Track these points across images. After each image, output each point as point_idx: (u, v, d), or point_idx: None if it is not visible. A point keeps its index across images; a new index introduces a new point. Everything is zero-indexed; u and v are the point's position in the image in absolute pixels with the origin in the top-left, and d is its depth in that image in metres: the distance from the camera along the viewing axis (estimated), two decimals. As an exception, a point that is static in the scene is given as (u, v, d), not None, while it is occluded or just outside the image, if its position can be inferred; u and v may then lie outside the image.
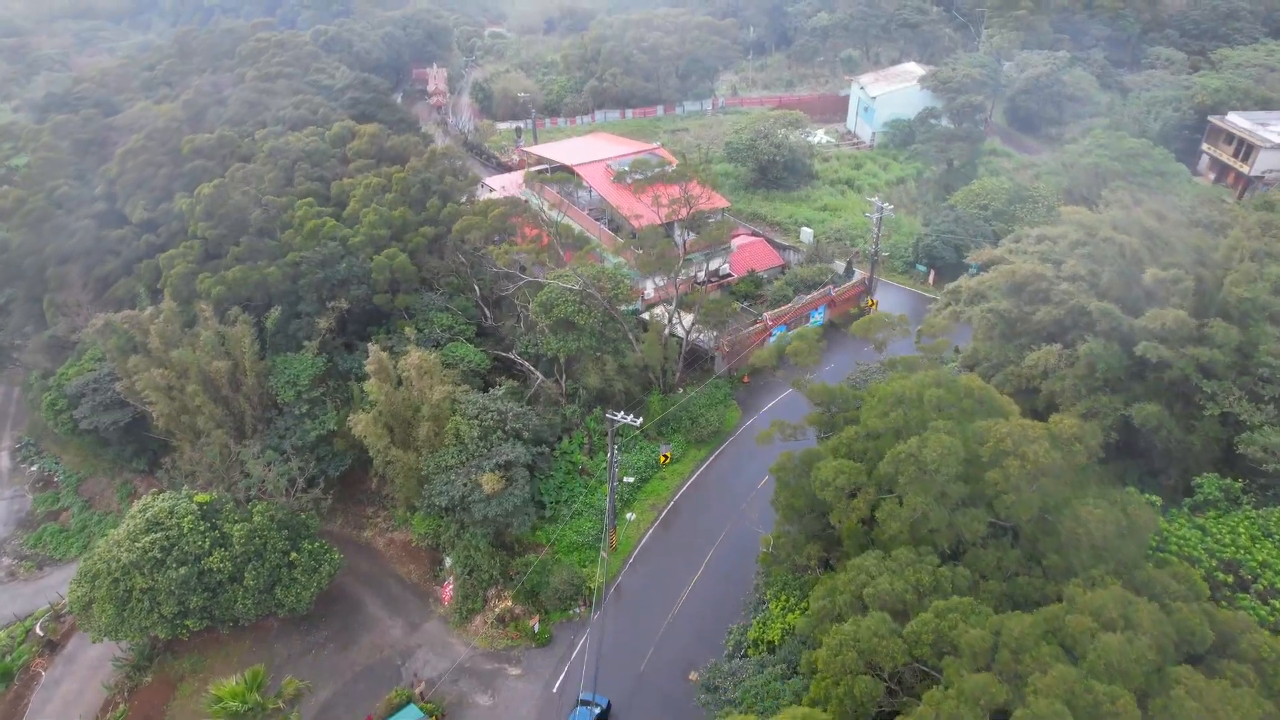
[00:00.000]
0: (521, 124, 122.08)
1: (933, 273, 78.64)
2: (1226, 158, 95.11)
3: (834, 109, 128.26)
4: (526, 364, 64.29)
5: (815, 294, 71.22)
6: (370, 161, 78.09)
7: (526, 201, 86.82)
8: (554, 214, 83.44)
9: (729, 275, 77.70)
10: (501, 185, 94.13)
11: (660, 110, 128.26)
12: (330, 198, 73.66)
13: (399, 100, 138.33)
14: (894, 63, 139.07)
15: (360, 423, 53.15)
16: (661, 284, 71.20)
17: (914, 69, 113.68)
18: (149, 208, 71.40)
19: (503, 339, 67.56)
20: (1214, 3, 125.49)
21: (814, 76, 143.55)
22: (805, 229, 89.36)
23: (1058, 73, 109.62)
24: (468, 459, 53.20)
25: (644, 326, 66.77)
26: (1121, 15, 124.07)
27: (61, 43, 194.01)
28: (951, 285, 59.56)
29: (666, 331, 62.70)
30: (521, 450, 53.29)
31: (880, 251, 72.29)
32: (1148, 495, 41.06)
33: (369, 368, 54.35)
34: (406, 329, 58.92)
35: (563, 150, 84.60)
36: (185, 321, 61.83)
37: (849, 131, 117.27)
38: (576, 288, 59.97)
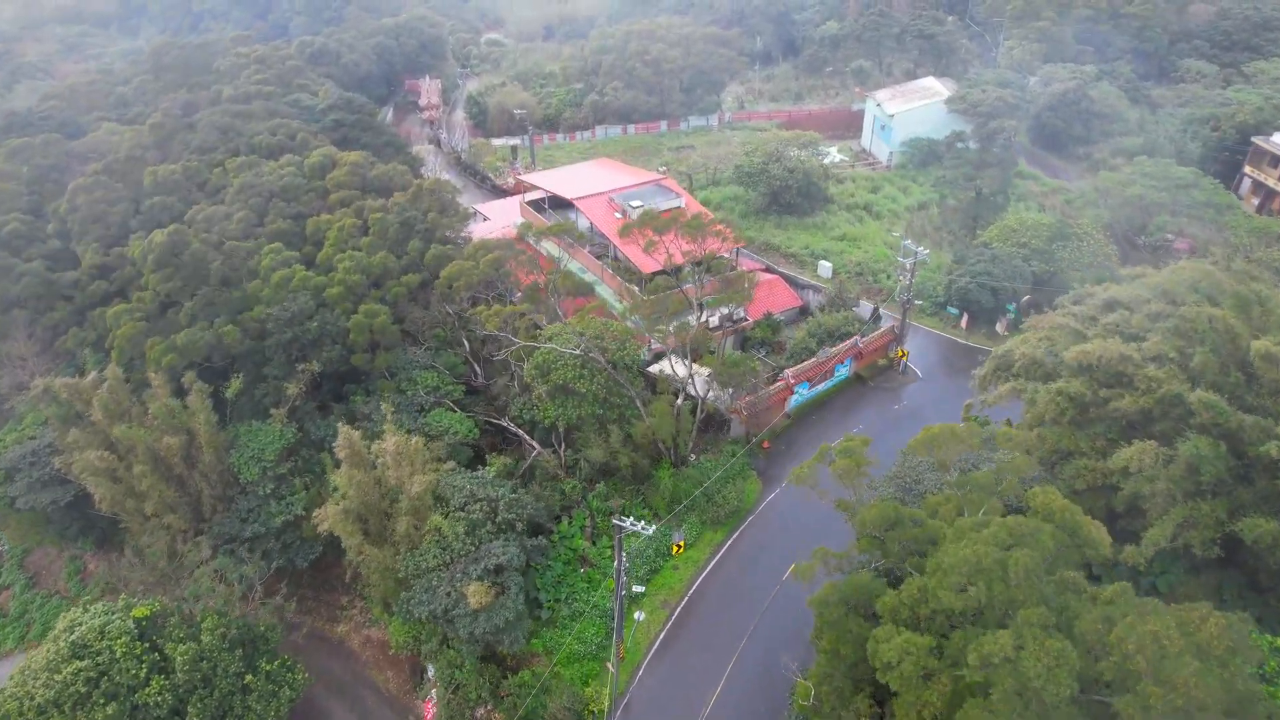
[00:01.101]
0: (519, 140, 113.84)
1: (965, 316, 70.64)
2: (1273, 181, 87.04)
3: (846, 124, 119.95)
4: (521, 432, 56.32)
5: (841, 346, 63.22)
6: (354, 193, 69.99)
7: (520, 236, 78.83)
8: (549, 247, 75.44)
9: (744, 319, 69.65)
10: (496, 213, 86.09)
11: (664, 125, 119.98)
12: (306, 237, 65.56)
13: (390, 114, 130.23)
14: (907, 74, 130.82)
15: (328, 517, 45.19)
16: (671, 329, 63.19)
17: (933, 84, 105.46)
18: (101, 250, 63.27)
19: (495, 398, 59.62)
20: (1246, 12, 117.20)
21: (823, 88, 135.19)
22: (823, 262, 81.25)
23: (1085, 88, 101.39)
24: (452, 559, 45.25)
25: (652, 386, 58.74)
26: (1149, 26, 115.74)
27: (46, 49, 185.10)
28: (1001, 349, 51.56)
29: (680, 400, 54.61)
30: (514, 552, 45.30)
31: (911, 298, 64.21)
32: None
33: (339, 453, 46.33)
34: (384, 404, 50.76)
35: (561, 180, 76.49)
36: (134, 387, 53.78)
37: (864, 150, 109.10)
38: (576, 352, 51.96)
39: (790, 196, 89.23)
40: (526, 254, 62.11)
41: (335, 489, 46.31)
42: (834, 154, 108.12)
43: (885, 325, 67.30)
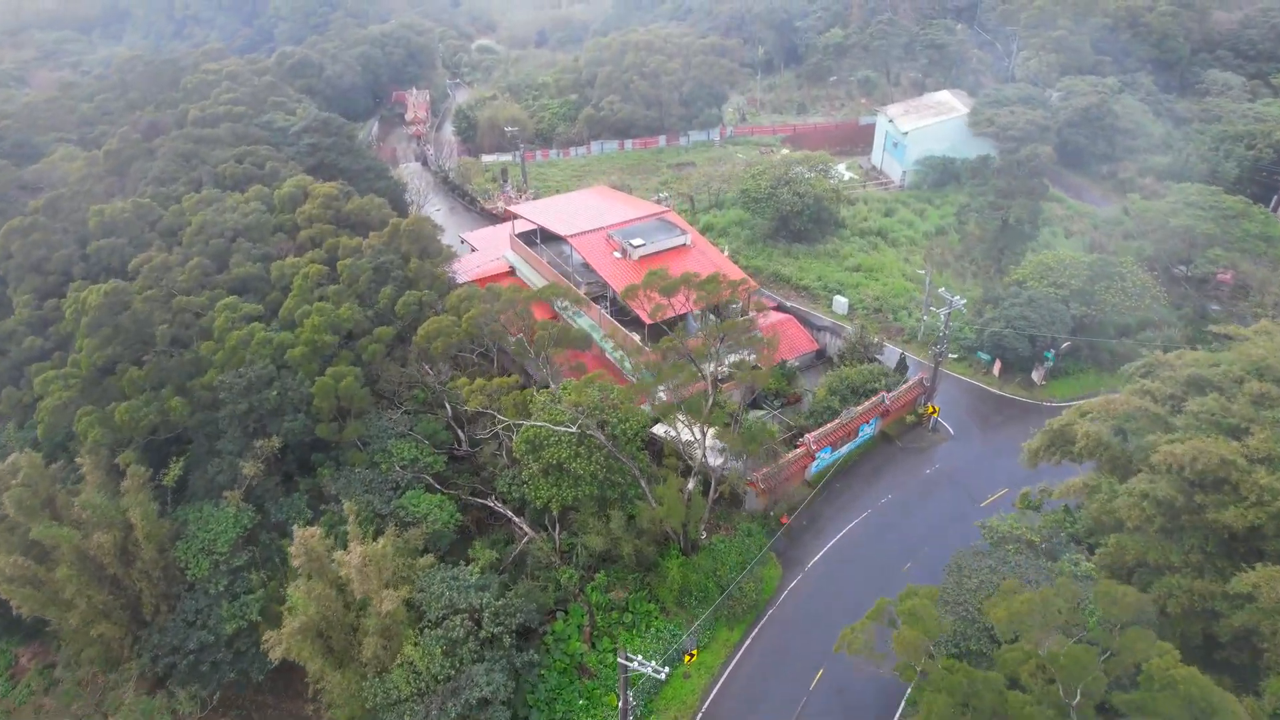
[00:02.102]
0: (510, 157, 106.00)
1: (998, 363, 63.26)
2: (1316, 207, 79.88)
3: (853, 139, 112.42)
4: (509, 512, 48.81)
5: (867, 404, 55.80)
6: (327, 228, 62.32)
7: (511, 269, 71.25)
8: (540, 283, 67.77)
9: (755, 368, 62.08)
10: (485, 243, 78.43)
11: (663, 140, 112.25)
12: (272, 283, 57.89)
13: (375, 128, 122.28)
14: (915, 84, 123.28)
15: (283, 639, 37.68)
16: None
17: (947, 99, 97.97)
18: (37, 302, 55.48)
19: (481, 468, 52.08)
20: (1272, 20, 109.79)
21: (827, 98, 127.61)
22: (838, 298, 73.76)
23: (1108, 102, 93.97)
24: (427, 688, 37.82)
25: (657, 455, 51.18)
26: (1170, 35, 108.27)
27: (23, 56, 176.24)
28: (1058, 422, 44.20)
29: (690, 484, 47.06)
30: (500, 680, 37.86)
31: (944, 350, 56.78)
32: None
33: (295, 561, 38.78)
34: (348, 504, 43.10)
35: (554, 211, 68.78)
36: (63, 469, 46.16)
37: (874, 167, 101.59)
38: (573, 429, 44.46)
39: (801, 223, 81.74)
40: (515, 299, 54.43)
41: (290, 604, 38.70)
42: (843, 171, 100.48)
43: (913, 378, 59.87)
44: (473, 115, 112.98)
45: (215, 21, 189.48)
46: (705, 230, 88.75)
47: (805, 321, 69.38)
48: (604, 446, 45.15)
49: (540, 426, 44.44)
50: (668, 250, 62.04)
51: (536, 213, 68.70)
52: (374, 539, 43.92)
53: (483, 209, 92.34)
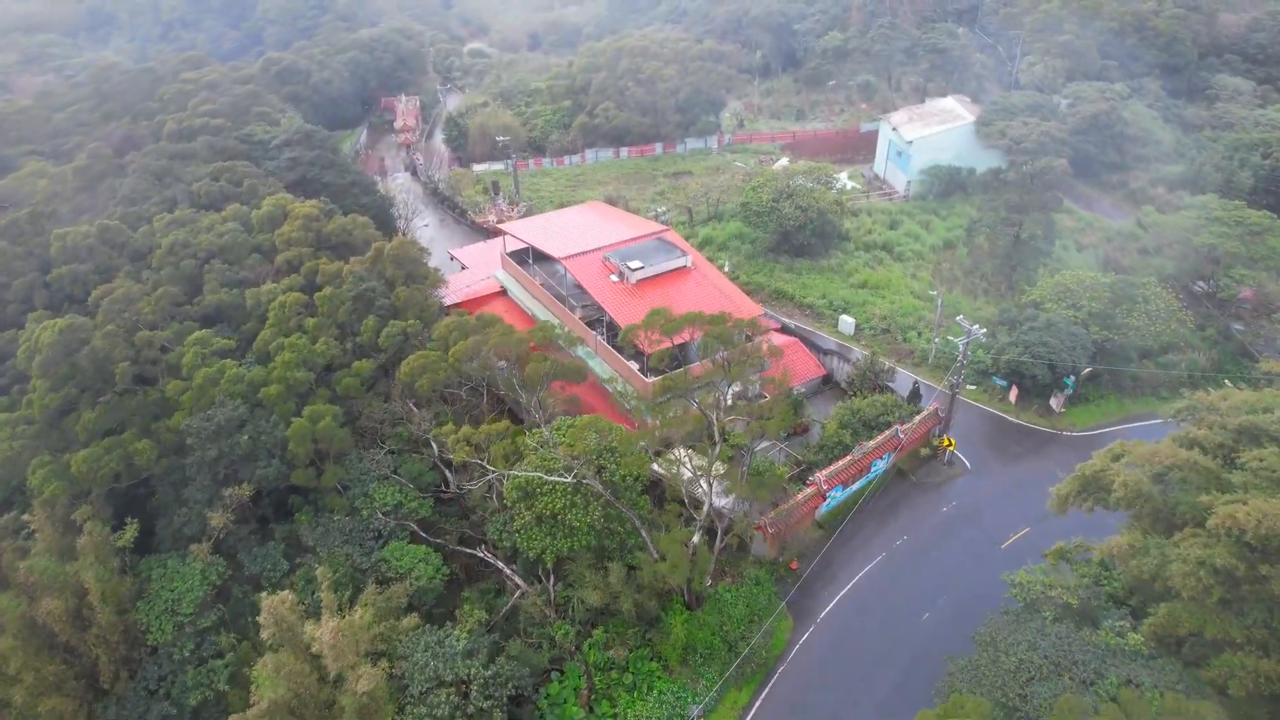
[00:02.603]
0: (502, 165, 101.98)
1: (1015, 389, 59.59)
2: (1336, 219, 76.20)
3: (855, 147, 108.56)
4: (500, 563, 44.99)
5: (880, 439, 52.09)
6: (305, 251, 58.36)
7: (502, 289, 67.34)
8: (534, 308, 63.99)
9: (760, 396, 58.41)
10: (475, 260, 74.49)
11: (659, 148, 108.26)
12: (248, 311, 53.91)
13: (364, 136, 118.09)
14: (916, 89, 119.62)
15: (248, 722, 33.84)
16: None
17: (952, 106, 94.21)
18: (-8, 336, 51.46)
19: (471, 511, 48.25)
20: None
21: (826, 103, 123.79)
22: (844, 317, 70.06)
23: (1117, 109, 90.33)
24: (409, 774, 34.04)
25: (658, 499, 47.41)
26: (1178, 39, 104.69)
27: (5, 61, 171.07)
28: (1090, 469, 40.51)
29: (696, 537, 43.27)
30: (489, 767, 34.11)
31: (960, 381, 53.06)
32: None
33: (264, 633, 34.93)
34: (320, 570, 39.21)
35: (547, 230, 64.84)
36: (14, 523, 42.21)
37: (877, 176, 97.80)
38: (568, 479, 40.65)
39: (803, 237, 78.01)
40: (506, 343, 50.47)
41: (256, 683, 34.81)
42: (844, 180, 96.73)
43: (927, 408, 56.16)
44: (463, 123, 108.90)
45: (203, 24, 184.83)
46: (704, 244, 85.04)
47: (810, 344, 65.66)
48: (602, 495, 41.37)
49: (533, 476, 40.59)
50: (668, 273, 58.25)
51: (528, 232, 64.79)
52: (354, 598, 40.21)
53: (473, 222, 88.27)
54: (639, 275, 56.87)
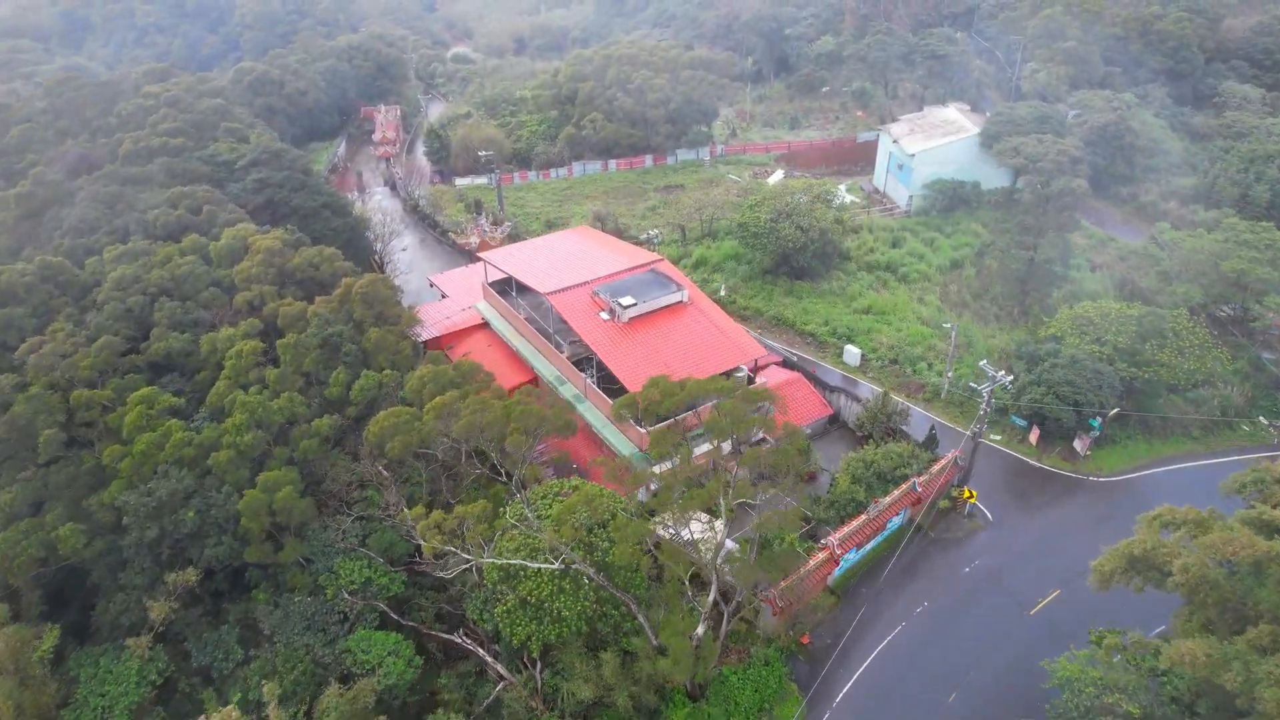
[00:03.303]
0: (485, 179, 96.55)
1: (1035, 430, 54.82)
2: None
3: (852, 157, 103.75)
4: (480, 650, 39.81)
5: (896, 494, 47.24)
6: (269, 289, 52.93)
7: (484, 322, 62.09)
8: (517, 343, 58.80)
9: (763, 441, 53.45)
10: (456, 287, 69.14)
11: (649, 160, 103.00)
12: (203, 358, 48.52)
13: (342, 148, 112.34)
14: (913, 96, 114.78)
15: None
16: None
17: (954, 116, 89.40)
18: (-84, 393, 45.71)
19: (449, 587, 43.02)
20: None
21: (821, 111, 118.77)
22: (850, 347, 65.19)
23: (1126, 119, 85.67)
24: None
25: (657, 564, 42.28)
26: (1184, 45, 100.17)
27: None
28: (1138, 547, 35.67)
29: (700, 628, 38.15)
30: None
31: (982, 430, 48.13)
32: None
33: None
34: (268, 687, 33.97)
35: (532, 260, 59.54)
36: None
37: (877, 190, 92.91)
38: (555, 565, 35.54)
39: (804, 259, 73.08)
40: (482, 417, 45.22)
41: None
42: (843, 194, 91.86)
43: (945, 455, 51.28)
44: (445, 135, 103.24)
45: (179, 30, 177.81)
46: (698, 265, 80.00)
47: (814, 380, 60.69)
48: (594, 579, 36.30)
49: (515, 564, 35.44)
50: (662, 309, 53.12)
51: (511, 262, 59.52)
52: (315, 697, 35.02)
53: (455, 244, 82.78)
54: (631, 313, 51.74)
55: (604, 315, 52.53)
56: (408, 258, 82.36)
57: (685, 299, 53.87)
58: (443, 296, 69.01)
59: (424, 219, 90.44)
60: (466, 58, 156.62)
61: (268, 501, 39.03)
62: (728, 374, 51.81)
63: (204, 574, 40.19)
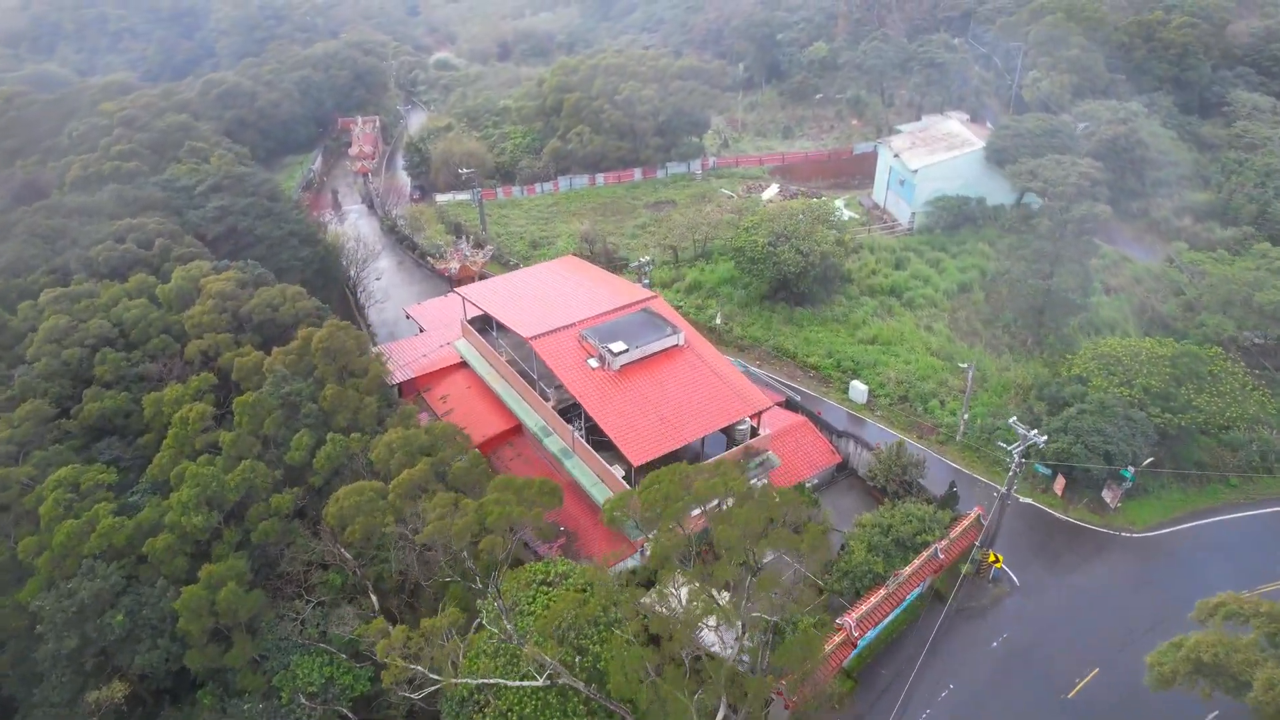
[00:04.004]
0: (468, 195, 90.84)
1: (1060, 479, 49.96)
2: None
3: (849, 170, 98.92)
4: (457, 764, 34.49)
5: (917, 563, 42.27)
6: (223, 338, 47.41)
7: (462, 361, 56.78)
8: (499, 388, 53.48)
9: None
10: (434, 319, 63.71)
11: (638, 174, 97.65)
12: (146, 421, 43.00)
13: (318, 161, 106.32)
14: (909, 104, 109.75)
15: None
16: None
17: (956, 128, 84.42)
18: None
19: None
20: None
21: (815, 119, 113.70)
22: (856, 383, 60.21)
23: (1136, 132, 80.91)
24: None
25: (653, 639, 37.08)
26: (1190, 51, 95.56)
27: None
28: (1205, 653, 30.88)
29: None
30: None
31: (1011, 493, 43.14)
32: None
33: None
34: None
35: (514, 297, 54.13)
36: None
37: (876, 205, 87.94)
38: (539, 682, 30.32)
39: (805, 284, 68.07)
40: (461, 442, 40.00)
41: None
42: (841, 209, 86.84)
43: (968, 514, 46.35)
44: (425, 148, 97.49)
45: (153, 35, 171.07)
46: (692, 289, 74.81)
47: (819, 422, 55.62)
48: (582, 692, 31.12)
49: (493, 683, 30.20)
50: (657, 354, 47.90)
51: (491, 299, 54.11)
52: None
53: (434, 268, 77.19)
54: (623, 360, 46.50)
55: (593, 362, 47.23)
56: (384, 284, 76.90)
57: (681, 342, 48.66)
58: (420, 330, 63.60)
59: (403, 240, 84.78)
60: (449, 64, 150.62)
61: (209, 600, 33.61)
62: (729, 429, 46.81)
63: (140, 676, 34.81)
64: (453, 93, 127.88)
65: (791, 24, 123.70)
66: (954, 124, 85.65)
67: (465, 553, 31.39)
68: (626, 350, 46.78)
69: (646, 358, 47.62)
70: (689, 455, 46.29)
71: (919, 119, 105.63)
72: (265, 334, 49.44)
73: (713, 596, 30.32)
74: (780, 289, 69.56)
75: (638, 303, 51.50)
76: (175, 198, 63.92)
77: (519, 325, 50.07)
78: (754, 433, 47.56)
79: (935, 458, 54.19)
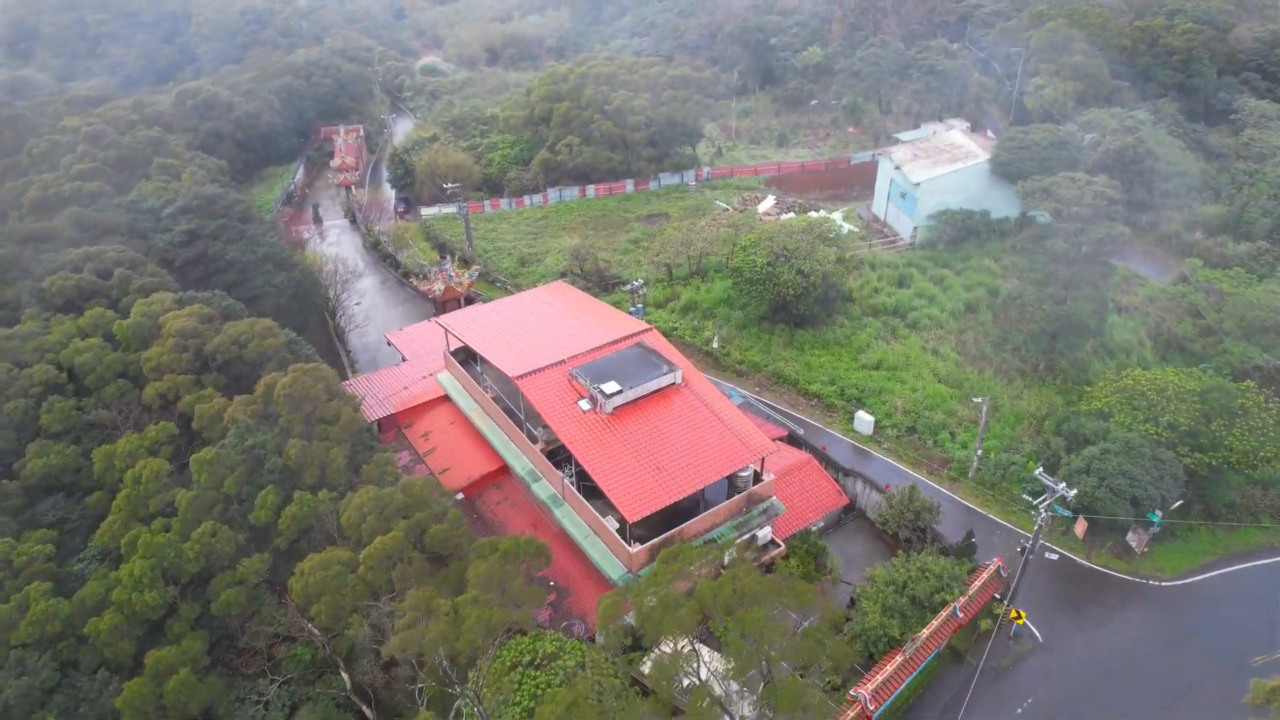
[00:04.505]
0: (454, 209, 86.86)
1: (1082, 523, 46.47)
2: None
3: (847, 181, 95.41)
4: None
5: (936, 623, 38.72)
6: (184, 380, 43.46)
7: (445, 395, 52.97)
8: (485, 429, 49.70)
9: (771, 543, 44.89)
10: (416, 347, 59.85)
11: (630, 185, 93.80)
12: (97, 478, 39.04)
13: (300, 172, 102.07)
14: (907, 111, 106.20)
15: None
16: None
17: (959, 139, 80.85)
18: None
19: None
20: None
21: (810, 126, 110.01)
22: (862, 414, 56.61)
23: (1145, 142, 77.51)
24: None
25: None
26: (1195, 58, 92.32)
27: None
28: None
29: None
30: None
31: (1035, 548, 39.60)
32: None
33: None
34: None
35: (498, 328, 50.22)
36: None
37: (876, 218, 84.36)
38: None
39: (805, 306, 64.48)
40: (439, 504, 36.19)
41: None
42: (839, 222, 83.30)
43: (987, 565, 42.85)
44: (409, 160, 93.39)
45: (133, 40, 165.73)
46: (688, 310, 71.14)
47: (824, 459, 52.04)
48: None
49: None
50: (653, 394, 44.14)
51: (475, 331, 50.22)
52: None
53: (416, 289, 73.14)
54: (617, 402, 42.75)
55: (584, 404, 43.44)
56: (366, 306, 72.98)
57: (679, 380, 44.92)
58: (402, 359, 59.71)
59: (386, 258, 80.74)
60: (436, 69, 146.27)
61: (155, 695, 29.74)
62: (733, 477, 43.15)
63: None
64: (439, 100, 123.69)
65: (785, 29, 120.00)
66: (957, 134, 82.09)
67: (440, 654, 27.63)
68: (620, 391, 42.99)
69: (642, 397, 43.83)
70: (688, 503, 42.63)
71: (917, 126, 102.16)
72: (232, 373, 45.51)
73: (718, 703, 26.56)
74: (779, 309, 65.91)
75: (631, 336, 47.69)
76: (141, 220, 59.77)
77: (503, 362, 46.21)
78: (757, 478, 43.89)
79: (947, 496, 50.73)
